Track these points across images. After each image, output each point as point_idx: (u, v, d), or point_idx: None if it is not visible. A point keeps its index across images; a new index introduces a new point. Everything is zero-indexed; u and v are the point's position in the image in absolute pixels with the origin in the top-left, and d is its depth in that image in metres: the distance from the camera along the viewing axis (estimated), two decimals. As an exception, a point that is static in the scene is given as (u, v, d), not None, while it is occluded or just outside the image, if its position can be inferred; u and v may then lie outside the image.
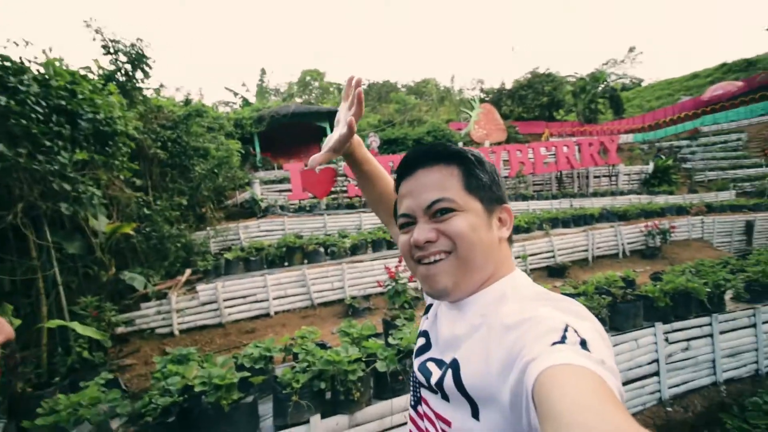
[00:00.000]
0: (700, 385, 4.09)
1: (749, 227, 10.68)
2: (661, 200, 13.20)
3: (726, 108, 23.94)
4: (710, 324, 4.18)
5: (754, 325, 4.34)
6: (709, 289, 4.25)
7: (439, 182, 0.69)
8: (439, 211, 0.67)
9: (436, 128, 21.30)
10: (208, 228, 8.99)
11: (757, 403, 3.73)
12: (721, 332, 4.22)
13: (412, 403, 0.77)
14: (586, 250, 8.73)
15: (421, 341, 0.79)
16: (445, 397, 0.64)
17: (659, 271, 6.37)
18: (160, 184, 8.37)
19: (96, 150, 5.37)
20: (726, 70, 32.74)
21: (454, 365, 0.62)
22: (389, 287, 4.70)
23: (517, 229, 9.08)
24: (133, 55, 7.92)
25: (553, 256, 8.41)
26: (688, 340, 4.09)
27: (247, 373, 2.66)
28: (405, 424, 2.83)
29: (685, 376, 4.02)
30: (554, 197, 13.34)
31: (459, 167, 0.69)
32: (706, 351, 4.14)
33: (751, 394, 4.04)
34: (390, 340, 3.11)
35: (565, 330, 0.49)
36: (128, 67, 7.94)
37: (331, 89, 33.43)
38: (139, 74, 8.15)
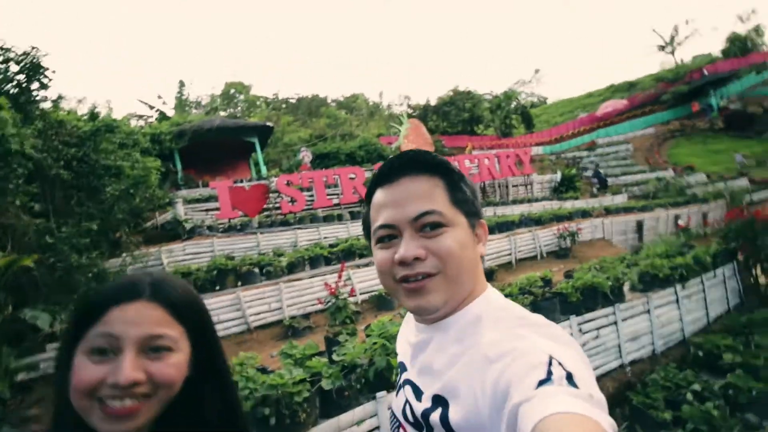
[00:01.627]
0: (610, 368, 4.65)
1: (639, 226, 12.40)
2: (568, 205, 14.79)
3: (615, 123, 27.75)
4: (614, 313, 4.79)
5: (648, 311, 5.06)
6: (610, 283, 4.88)
7: (427, 193, 0.63)
8: (428, 225, 0.62)
9: (368, 142, 21.71)
10: (124, 254, 8.17)
11: (655, 379, 4.34)
12: (623, 319, 4.84)
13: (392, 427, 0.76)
14: (510, 254, 9.47)
15: (399, 358, 0.79)
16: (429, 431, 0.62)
17: (571, 270, 7.14)
18: (64, 208, 7.44)
19: (-17, 173, 4.69)
20: (614, 90, 38.09)
21: (441, 402, 0.59)
22: (330, 304, 4.68)
23: (448, 238, 9.57)
24: (28, 65, 7.06)
25: (482, 262, 8.99)
26: (597, 329, 4.63)
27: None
28: (353, 440, 2.84)
29: (598, 362, 4.54)
30: (479, 206, 14.30)
31: (443, 179, 0.65)
32: (613, 337, 4.73)
33: (650, 371, 4.68)
34: (334, 356, 3.12)
35: (550, 364, 0.48)
36: (21, 77, 7.05)
37: (258, 102, 32.52)
38: (35, 86, 7.28)
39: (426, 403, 0.62)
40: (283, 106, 33.01)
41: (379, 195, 0.67)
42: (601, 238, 11.46)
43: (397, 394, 0.75)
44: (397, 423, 0.72)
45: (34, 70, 7.10)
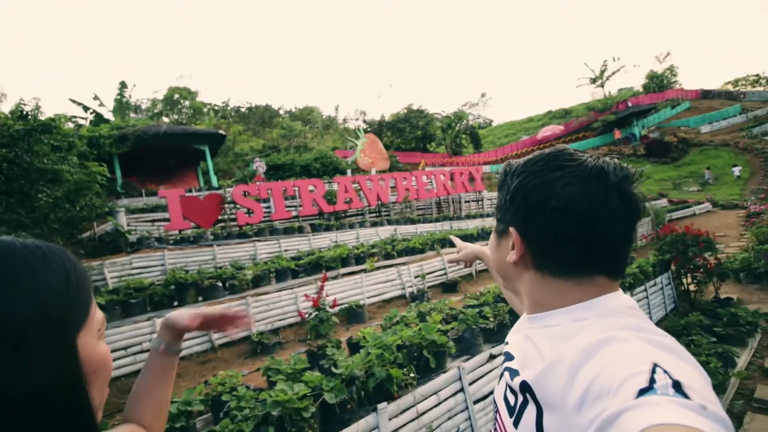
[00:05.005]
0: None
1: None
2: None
3: (553, 146, 30.11)
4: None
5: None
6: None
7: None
8: None
9: (324, 155, 21.57)
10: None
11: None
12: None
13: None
14: (471, 266, 9.80)
15: (507, 348, 0.81)
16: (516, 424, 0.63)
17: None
18: (-10, 215, 6.54)
19: None
20: (551, 116, 41.45)
21: (528, 390, 0.60)
22: (312, 316, 4.52)
23: (412, 251, 9.71)
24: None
25: (445, 273, 9.21)
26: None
27: (179, 434, 2.27)
28: (355, 455, 2.75)
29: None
30: (436, 220, 14.69)
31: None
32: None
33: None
34: (332, 369, 3.02)
35: (653, 371, 0.43)
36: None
37: (205, 110, 31.06)
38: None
39: (516, 383, 0.64)
40: (233, 114, 31.85)
41: None
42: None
43: (499, 381, 0.78)
44: (496, 408, 0.76)
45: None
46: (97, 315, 0.50)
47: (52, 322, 0.41)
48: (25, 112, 9.06)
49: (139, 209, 12.02)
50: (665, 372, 0.43)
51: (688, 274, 7.49)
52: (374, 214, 14.99)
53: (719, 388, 4.47)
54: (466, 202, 18.28)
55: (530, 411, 0.59)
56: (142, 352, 5.17)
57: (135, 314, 5.73)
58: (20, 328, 0.38)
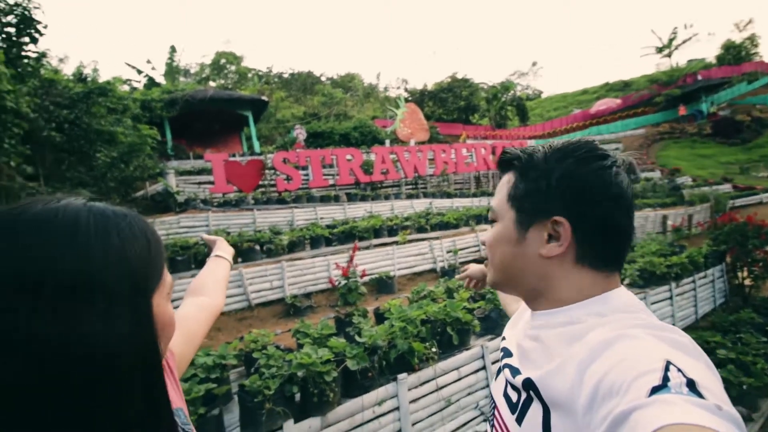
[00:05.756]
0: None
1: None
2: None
3: (608, 121, 28.12)
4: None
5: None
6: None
7: (498, 189, 0.72)
8: (490, 219, 0.73)
9: (363, 124, 21.44)
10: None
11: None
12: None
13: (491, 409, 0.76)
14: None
15: (505, 343, 0.79)
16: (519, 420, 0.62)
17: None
18: (55, 172, 7.14)
19: (-22, 129, 4.42)
20: (608, 89, 38.43)
21: (532, 387, 0.59)
22: (342, 284, 4.66)
23: (446, 225, 9.62)
24: (19, 17, 6.62)
25: (479, 250, 9.09)
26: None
27: (212, 385, 2.46)
28: (374, 419, 2.87)
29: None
30: (474, 195, 14.37)
31: (514, 174, 0.68)
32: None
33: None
34: (356, 337, 3.12)
35: (666, 369, 0.42)
36: (12, 30, 6.63)
37: (250, 75, 31.54)
38: (25, 40, 6.86)
39: (518, 381, 0.63)
40: (276, 80, 32.15)
41: None
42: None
43: (496, 378, 0.77)
44: (493, 404, 0.74)
45: (25, 22, 6.67)
46: (167, 279, 0.54)
47: (135, 283, 0.45)
48: (84, 75, 9.61)
49: (186, 171, 12.64)
50: (679, 370, 0.41)
51: (745, 268, 6.91)
52: (410, 186, 14.86)
53: (764, 390, 4.22)
54: (506, 177, 17.68)
55: (535, 409, 0.58)
56: (186, 305, 5.59)
57: (180, 270, 6.15)
58: (110, 286, 0.42)
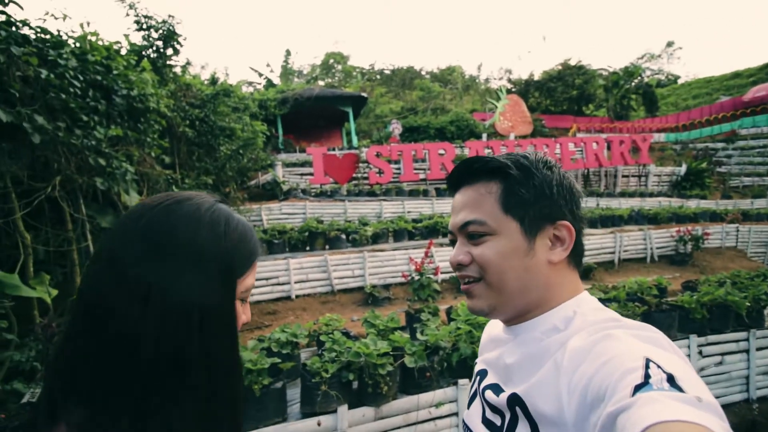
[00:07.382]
0: (731, 401, 3.96)
1: (786, 238, 10.20)
2: (692, 204, 12.71)
3: (767, 111, 22.72)
4: (747, 339, 4.02)
5: (794, 344, 4.15)
6: (748, 303, 4.06)
7: (475, 201, 0.65)
8: (473, 234, 0.65)
9: (460, 118, 20.91)
10: (232, 208, 9.08)
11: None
12: (758, 348, 4.05)
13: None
14: (613, 252, 8.49)
15: (480, 366, 0.75)
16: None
17: (691, 280, 6.15)
18: (187, 162, 8.46)
19: (129, 126, 5.42)
20: (770, 70, 30.95)
21: (518, 402, 0.58)
22: (414, 279, 4.65)
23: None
24: (165, 32, 7.94)
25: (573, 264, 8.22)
26: (722, 354, 3.94)
27: (277, 359, 2.67)
28: (430, 420, 2.81)
29: (716, 391, 3.88)
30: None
31: (500, 183, 0.64)
32: (741, 366, 3.99)
33: (784, 413, 3.89)
34: (418, 335, 3.08)
35: (647, 367, 0.43)
36: (159, 44, 7.97)
37: (354, 73, 33.11)
38: (169, 51, 8.19)
39: (502, 399, 0.61)
40: (378, 77, 33.18)
41: (453, 200, 0.72)
42: (733, 247, 9.68)
43: (469, 407, 0.74)
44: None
45: (169, 36, 7.97)
46: (248, 280, 0.61)
47: (229, 263, 0.55)
48: (215, 79, 11.14)
49: (292, 163, 13.87)
50: (658, 366, 0.43)
51: None
52: (506, 183, 14.03)
53: None
54: (624, 176, 15.59)
55: (523, 429, 0.57)
56: (278, 284, 6.17)
57: (276, 252, 6.81)
58: (218, 260, 0.54)
